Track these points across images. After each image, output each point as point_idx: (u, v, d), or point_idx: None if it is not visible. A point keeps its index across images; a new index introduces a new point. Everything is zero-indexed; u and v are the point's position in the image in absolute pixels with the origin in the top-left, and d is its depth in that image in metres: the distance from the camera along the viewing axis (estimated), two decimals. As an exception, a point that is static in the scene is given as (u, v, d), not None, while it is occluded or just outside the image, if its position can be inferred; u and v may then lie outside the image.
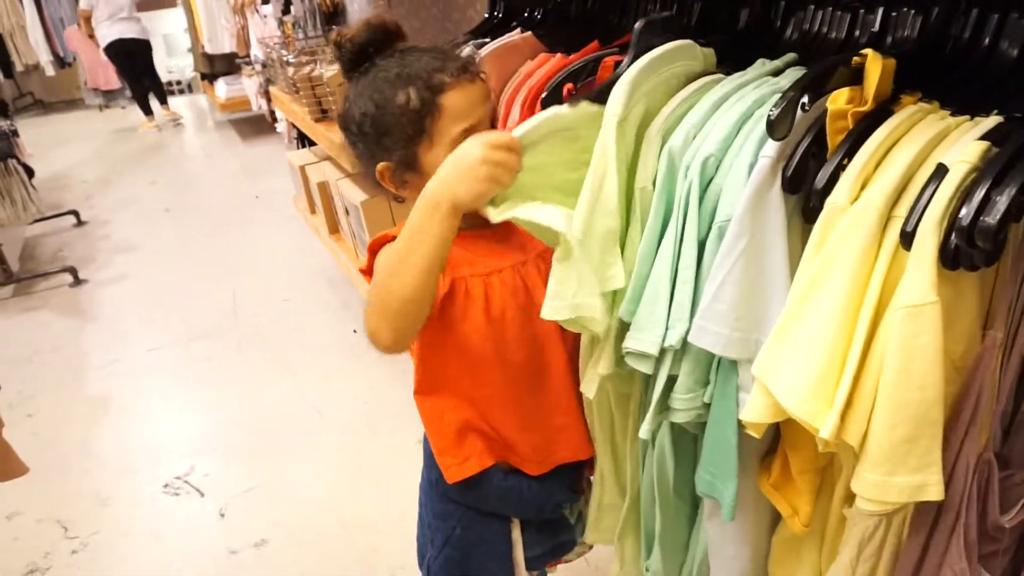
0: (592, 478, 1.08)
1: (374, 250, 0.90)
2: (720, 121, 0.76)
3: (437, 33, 2.58)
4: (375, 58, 0.88)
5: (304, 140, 3.60)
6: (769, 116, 0.68)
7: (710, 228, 0.74)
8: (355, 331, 2.74)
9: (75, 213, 4.32)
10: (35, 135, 6.28)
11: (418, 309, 0.81)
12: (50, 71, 7.15)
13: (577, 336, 0.93)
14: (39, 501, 2.04)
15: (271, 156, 5.16)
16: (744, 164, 0.72)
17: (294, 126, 3.62)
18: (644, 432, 0.84)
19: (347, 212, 2.50)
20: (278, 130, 4.54)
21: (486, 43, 1.31)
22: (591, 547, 1.17)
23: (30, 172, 3.58)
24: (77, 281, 3.49)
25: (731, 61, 0.86)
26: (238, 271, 3.42)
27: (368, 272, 0.91)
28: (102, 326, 3.10)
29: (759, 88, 0.78)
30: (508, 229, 0.90)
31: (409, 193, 0.90)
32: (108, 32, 5.81)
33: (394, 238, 0.85)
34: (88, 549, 1.88)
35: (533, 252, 0.94)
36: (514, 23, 1.42)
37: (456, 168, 0.77)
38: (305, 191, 2.99)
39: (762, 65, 0.83)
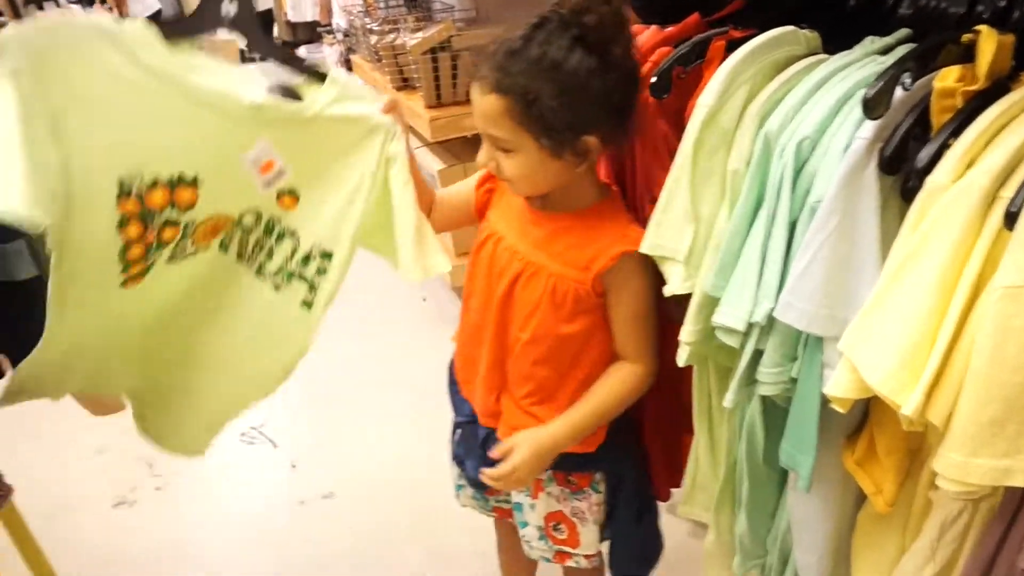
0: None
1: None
2: (819, 103, 0.76)
3: (523, 5, 2.58)
4: None
5: (382, 110, 3.67)
6: (865, 95, 0.68)
7: (802, 208, 0.75)
8: (424, 299, 2.80)
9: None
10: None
11: None
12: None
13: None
14: (125, 438, 2.17)
15: (347, 125, 5.26)
16: (840, 146, 0.72)
17: (373, 95, 3.71)
18: (728, 401, 0.87)
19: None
20: (356, 99, 4.62)
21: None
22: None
23: None
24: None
25: (838, 42, 0.85)
26: (313, 235, 3.52)
27: None
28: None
29: (864, 68, 0.77)
30: (564, 228, 0.97)
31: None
32: None
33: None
34: (170, 487, 2.00)
35: (542, 259, 0.97)
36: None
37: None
38: (381, 159, 3.06)
39: (870, 43, 0.82)
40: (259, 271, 0.99)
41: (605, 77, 0.84)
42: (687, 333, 0.90)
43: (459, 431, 1.19)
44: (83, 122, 0.76)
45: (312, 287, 0.97)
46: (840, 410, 0.72)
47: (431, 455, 2.02)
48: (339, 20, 4.54)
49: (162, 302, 0.97)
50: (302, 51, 5.88)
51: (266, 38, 0.90)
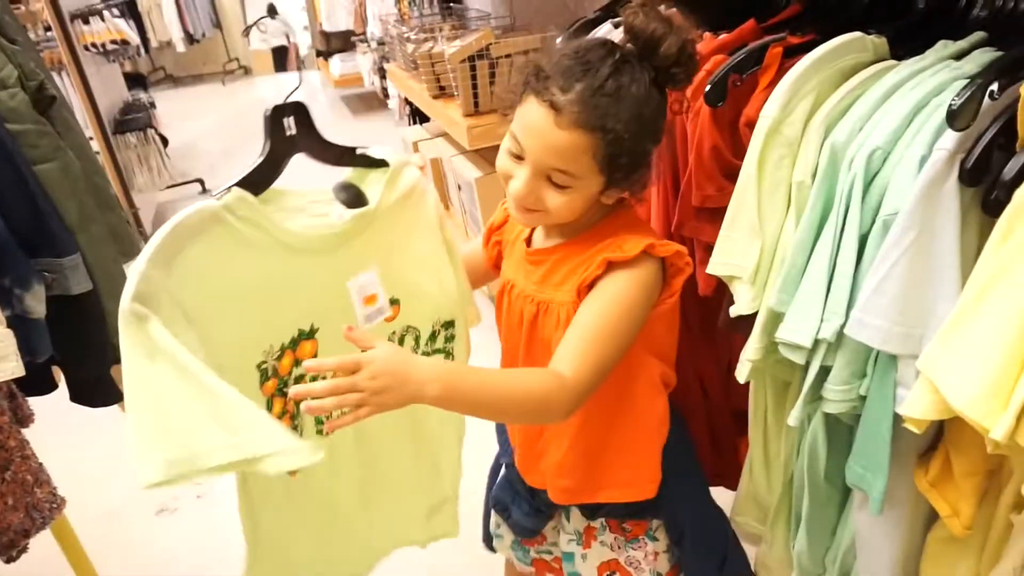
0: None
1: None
2: (890, 112, 0.73)
3: (558, 11, 2.57)
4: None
5: (416, 117, 3.68)
6: (951, 105, 0.65)
7: (873, 223, 0.72)
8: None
9: (200, 181, 4.59)
10: (166, 108, 6.69)
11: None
12: (181, 47, 7.59)
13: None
14: (169, 446, 2.20)
15: (381, 132, 5.29)
16: (915, 156, 0.70)
17: (407, 103, 3.72)
18: (793, 419, 0.84)
19: (459, 188, 2.55)
20: (390, 107, 4.66)
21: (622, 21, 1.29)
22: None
23: (165, 142, 3.83)
24: (202, 245, 3.72)
25: (908, 47, 0.82)
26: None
27: None
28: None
29: (938, 74, 0.74)
30: (563, 257, 0.90)
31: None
32: None
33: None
34: (210, 496, 2.01)
35: (548, 296, 0.90)
36: (649, -1, 1.39)
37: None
38: (417, 167, 3.07)
39: (943, 48, 0.79)
40: None
41: (664, 112, 0.83)
42: (752, 350, 0.87)
43: (505, 472, 1.10)
44: (216, 317, 0.72)
45: (448, 354, 0.97)
46: (915, 431, 0.69)
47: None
48: (374, 29, 4.58)
49: (331, 479, 0.93)
50: (336, 61, 5.95)
51: (325, 144, 0.86)
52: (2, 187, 0.94)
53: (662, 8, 1.29)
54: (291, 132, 0.81)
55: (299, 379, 0.81)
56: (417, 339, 0.95)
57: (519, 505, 1.06)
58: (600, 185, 0.82)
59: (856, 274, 0.75)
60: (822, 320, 0.77)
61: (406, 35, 2.89)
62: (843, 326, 0.74)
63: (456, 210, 2.70)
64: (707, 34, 1.10)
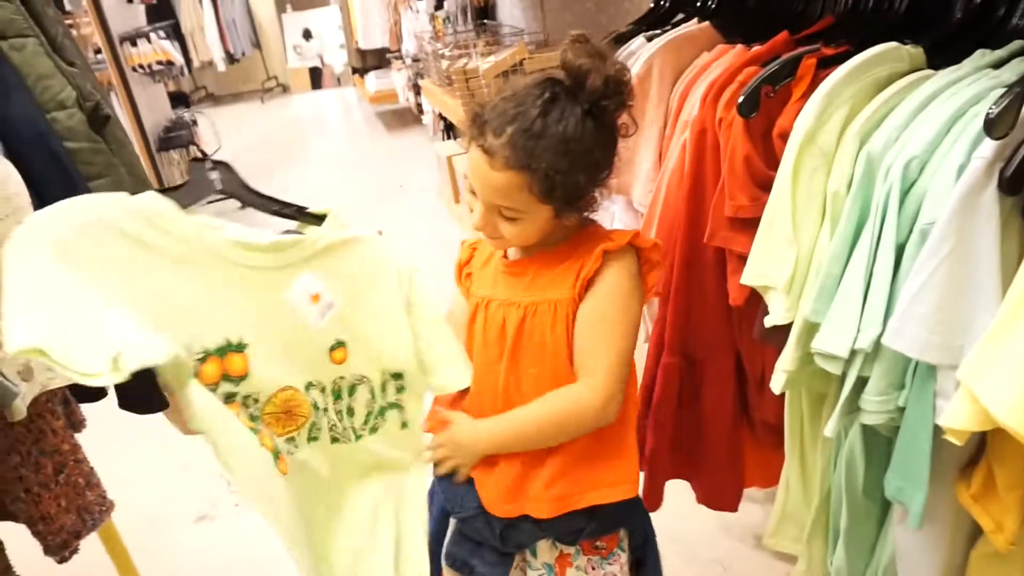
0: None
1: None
2: (927, 121, 0.73)
3: (591, 26, 2.59)
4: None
5: (450, 132, 3.73)
6: (988, 114, 0.65)
7: (910, 232, 0.72)
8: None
9: (240, 196, 4.70)
10: (206, 125, 6.88)
11: None
12: (221, 67, 7.80)
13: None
14: (206, 455, 2.25)
15: (415, 148, 5.37)
16: (953, 165, 0.69)
17: (442, 118, 3.77)
18: (829, 431, 0.84)
19: (493, 203, 2.57)
20: (424, 122, 4.73)
21: (656, 34, 1.31)
22: None
23: (205, 158, 3.93)
24: (241, 258, 3.80)
25: (945, 58, 0.82)
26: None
27: None
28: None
29: (975, 83, 0.74)
30: (544, 264, 0.93)
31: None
32: None
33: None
34: (246, 504, 2.05)
35: (539, 297, 0.92)
36: (684, 12, 1.40)
37: None
38: (451, 181, 3.11)
39: (981, 57, 0.79)
40: (356, 435, 0.95)
41: (608, 138, 0.86)
42: (787, 361, 0.87)
43: (459, 526, 1.03)
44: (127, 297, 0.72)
45: (400, 407, 0.96)
46: (956, 443, 0.68)
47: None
48: (408, 46, 4.66)
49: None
50: (371, 78, 6.05)
51: (254, 194, 0.97)
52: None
53: (694, 21, 1.31)
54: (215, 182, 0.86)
55: (230, 396, 0.82)
56: (372, 391, 0.94)
57: (482, 556, 1.02)
58: (549, 212, 0.86)
59: (893, 284, 0.74)
60: (859, 330, 0.76)
61: (441, 51, 2.94)
62: (880, 336, 0.74)
63: (489, 223, 2.72)
64: (740, 46, 1.11)
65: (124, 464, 2.19)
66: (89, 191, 1.03)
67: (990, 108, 0.64)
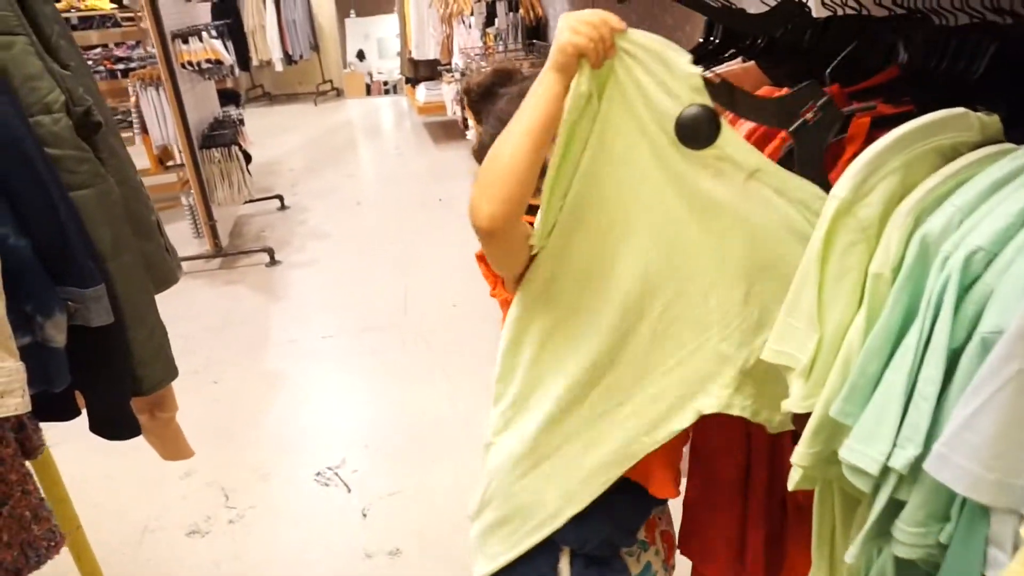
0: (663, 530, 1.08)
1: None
2: (999, 206, 0.61)
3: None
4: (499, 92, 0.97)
5: (491, 151, 3.67)
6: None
7: (968, 337, 0.60)
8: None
9: (280, 198, 4.71)
10: (259, 124, 6.98)
11: (519, 179, 0.78)
12: (279, 67, 7.92)
13: None
14: (210, 464, 2.20)
15: (458, 161, 5.33)
16: (1028, 264, 0.57)
17: (483, 136, 3.71)
18: (849, 556, 0.72)
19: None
20: (468, 137, 4.68)
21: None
22: None
23: (248, 158, 3.94)
24: (273, 261, 3.78)
25: (1028, 130, 0.70)
26: (414, 270, 3.54)
27: (481, 259, 0.95)
28: (287, 306, 3.32)
29: (1063, 167, 0.62)
30: None
31: None
32: None
33: None
34: (243, 522, 1.98)
35: None
36: (733, 50, 1.30)
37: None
38: (485, 202, 3.03)
39: (1074, 135, 0.67)
40: None
41: None
42: (800, 455, 0.75)
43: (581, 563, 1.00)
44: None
45: None
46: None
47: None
48: (458, 60, 4.62)
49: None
50: (422, 88, 6.04)
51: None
52: (32, 213, 0.92)
53: (739, 60, 1.21)
54: None
55: None
56: None
57: (612, 565, 1.02)
58: None
59: (942, 397, 0.62)
60: (895, 445, 0.64)
61: (484, 68, 2.87)
62: (919, 458, 0.62)
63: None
64: (786, 89, 0.99)
65: (125, 469, 2.16)
66: (68, 202, 0.97)
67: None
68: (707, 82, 0.79)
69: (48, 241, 0.94)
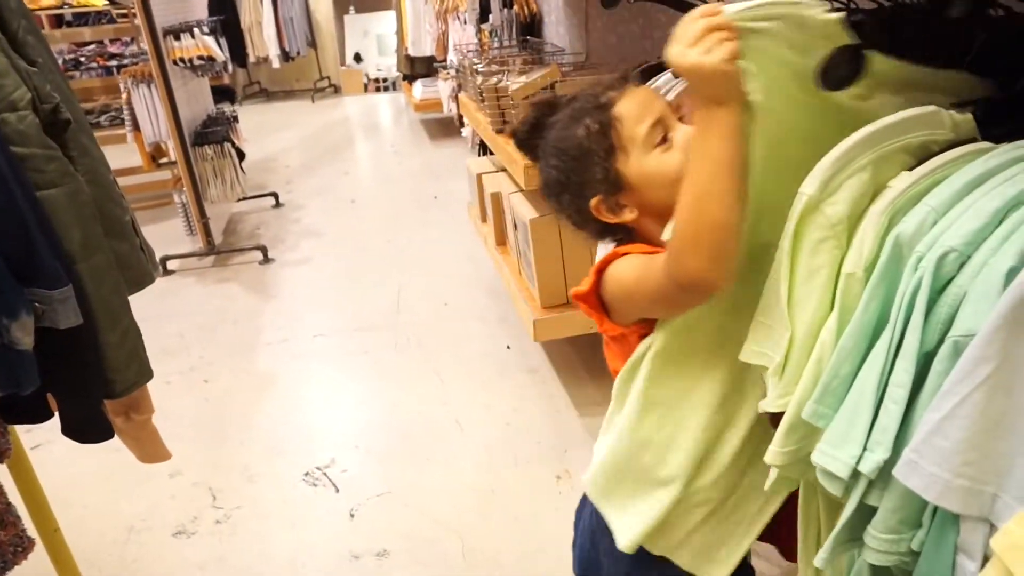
0: None
1: (601, 269, 0.89)
2: (973, 207, 0.60)
3: (635, 51, 2.47)
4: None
5: (486, 148, 3.64)
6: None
7: (941, 340, 0.58)
8: (508, 347, 2.70)
9: (275, 195, 4.69)
10: (255, 121, 6.95)
11: (735, 233, 0.72)
12: (276, 64, 7.89)
13: None
14: (198, 464, 2.19)
15: (454, 159, 5.31)
16: (1001, 268, 0.56)
17: (478, 133, 3.69)
18: (819, 561, 0.70)
19: (515, 227, 2.46)
20: (463, 135, 4.66)
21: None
22: None
23: (241, 155, 3.92)
24: (266, 259, 3.77)
25: (1006, 129, 0.68)
26: (407, 269, 3.52)
27: (586, 298, 0.90)
28: (279, 305, 3.31)
29: (1040, 166, 0.60)
30: None
31: (631, 214, 0.91)
32: None
33: (625, 254, 0.87)
34: (229, 522, 1.97)
35: None
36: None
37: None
38: (479, 199, 3.01)
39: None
40: None
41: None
42: (773, 455, 0.74)
43: None
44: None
45: None
46: (979, 617, 0.54)
47: (492, 521, 1.92)
48: (453, 57, 4.59)
49: None
50: (418, 85, 6.02)
51: None
52: (-5, 213, 0.90)
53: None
54: None
55: None
56: None
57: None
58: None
59: (913, 401, 0.61)
60: (864, 448, 0.63)
61: (475, 66, 2.85)
62: (890, 462, 0.60)
63: (512, 248, 2.61)
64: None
65: (112, 468, 2.15)
66: (34, 202, 0.95)
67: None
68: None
69: (12, 242, 0.92)
